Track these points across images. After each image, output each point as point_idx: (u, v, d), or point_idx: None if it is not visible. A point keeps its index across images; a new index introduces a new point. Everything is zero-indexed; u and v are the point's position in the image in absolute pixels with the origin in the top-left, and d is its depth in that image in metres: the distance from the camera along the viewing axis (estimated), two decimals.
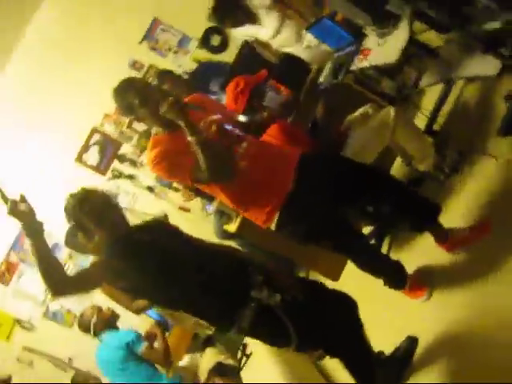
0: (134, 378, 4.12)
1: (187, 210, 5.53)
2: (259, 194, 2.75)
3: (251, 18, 4.35)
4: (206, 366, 4.05)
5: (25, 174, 5.39)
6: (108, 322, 4.32)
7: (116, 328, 4.36)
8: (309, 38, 4.09)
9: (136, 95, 2.64)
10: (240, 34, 4.55)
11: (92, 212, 2.58)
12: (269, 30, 4.38)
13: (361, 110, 3.60)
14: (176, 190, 5.56)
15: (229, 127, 2.80)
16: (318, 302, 2.67)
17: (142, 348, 4.11)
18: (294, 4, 4.33)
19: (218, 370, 3.88)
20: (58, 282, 2.33)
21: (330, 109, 3.51)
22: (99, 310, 4.33)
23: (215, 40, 5.74)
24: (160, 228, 2.80)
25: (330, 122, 3.49)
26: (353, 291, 2.79)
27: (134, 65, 5.62)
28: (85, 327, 4.32)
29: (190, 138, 2.54)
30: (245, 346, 3.96)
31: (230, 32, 5.67)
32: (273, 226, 2.79)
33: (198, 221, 5.13)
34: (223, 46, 5.73)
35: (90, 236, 2.62)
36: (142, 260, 2.48)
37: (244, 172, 2.71)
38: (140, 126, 5.37)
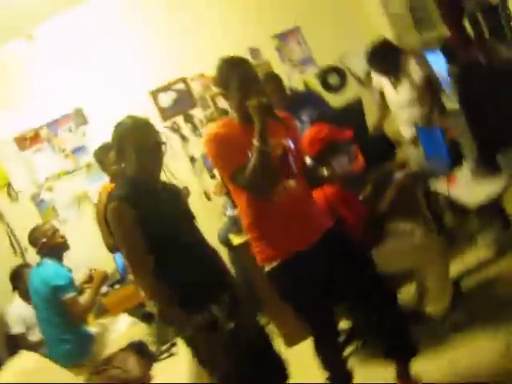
0: (49, 324, 4.04)
1: (208, 198, 5.53)
2: (274, 234, 2.69)
3: (395, 75, 4.41)
4: (129, 336, 3.99)
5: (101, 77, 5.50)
6: (55, 248, 4.18)
7: (60, 259, 4.21)
8: None
9: (240, 76, 2.61)
10: (376, 80, 4.64)
11: (141, 145, 2.49)
12: (396, 98, 4.47)
13: (409, 225, 3.56)
14: (212, 176, 5.57)
15: (290, 159, 2.73)
16: (259, 354, 2.64)
17: (67, 297, 3.94)
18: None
19: (137, 347, 3.81)
20: None
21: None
22: (53, 232, 4.21)
23: (333, 79, 5.77)
24: (178, 198, 2.75)
25: (389, 215, 3.41)
26: (294, 362, 2.75)
27: (253, 51, 5.68)
28: (32, 241, 4.22)
29: (255, 143, 2.50)
30: (174, 344, 3.89)
31: (350, 79, 5.76)
32: (265, 269, 2.74)
33: (212, 213, 5.13)
34: (335, 89, 5.76)
35: (121, 162, 2.58)
36: (151, 213, 2.44)
37: (274, 206, 2.64)
38: (222, 103, 5.38)
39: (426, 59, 4.59)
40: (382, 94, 4.71)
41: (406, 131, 4.48)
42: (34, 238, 4.21)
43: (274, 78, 4.66)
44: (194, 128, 5.70)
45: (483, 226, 4.01)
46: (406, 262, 3.26)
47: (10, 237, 5.39)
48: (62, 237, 4.25)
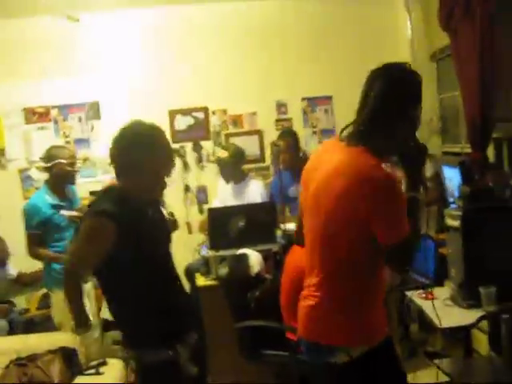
0: None
1: (190, 232, 5.45)
2: (377, 313, 2.12)
3: None
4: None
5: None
6: (63, 175, 4.07)
7: (58, 190, 4.10)
8: None
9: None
10: None
11: (162, 159, 2.39)
12: None
13: None
14: (201, 211, 5.51)
15: None
16: None
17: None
18: None
19: (67, 353, 3.64)
20: None
21: None
22: (72, 162, 4.08)
23: None
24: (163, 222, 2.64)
25: None
26: None
27: (280, 105, 5.76)
28: (47, 156, 4.10)
29: (409, 193, 2.01)
30: (104, 363, 3.73)
31: None
32: (352, 352, 2.02)
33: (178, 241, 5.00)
34: None
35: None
36: (134, 232, 2.29)
37: (377, 281, 2.12)
38: (236, 142, 5.30)
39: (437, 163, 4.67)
40: None
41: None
42: (51, 154, 4.07)
43: (292, 135, 4.73)
44: (199, 159, 5.66)
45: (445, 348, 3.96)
46: None
47: None
48: (76, 170, 4.16)
